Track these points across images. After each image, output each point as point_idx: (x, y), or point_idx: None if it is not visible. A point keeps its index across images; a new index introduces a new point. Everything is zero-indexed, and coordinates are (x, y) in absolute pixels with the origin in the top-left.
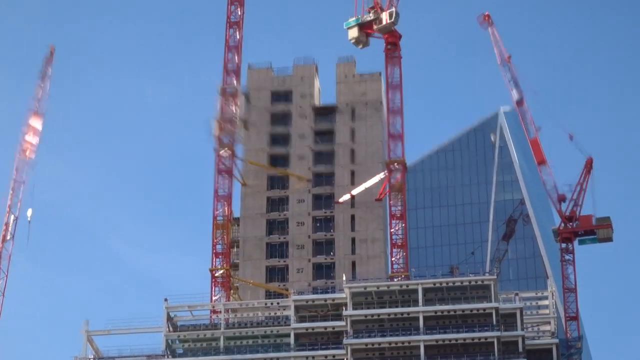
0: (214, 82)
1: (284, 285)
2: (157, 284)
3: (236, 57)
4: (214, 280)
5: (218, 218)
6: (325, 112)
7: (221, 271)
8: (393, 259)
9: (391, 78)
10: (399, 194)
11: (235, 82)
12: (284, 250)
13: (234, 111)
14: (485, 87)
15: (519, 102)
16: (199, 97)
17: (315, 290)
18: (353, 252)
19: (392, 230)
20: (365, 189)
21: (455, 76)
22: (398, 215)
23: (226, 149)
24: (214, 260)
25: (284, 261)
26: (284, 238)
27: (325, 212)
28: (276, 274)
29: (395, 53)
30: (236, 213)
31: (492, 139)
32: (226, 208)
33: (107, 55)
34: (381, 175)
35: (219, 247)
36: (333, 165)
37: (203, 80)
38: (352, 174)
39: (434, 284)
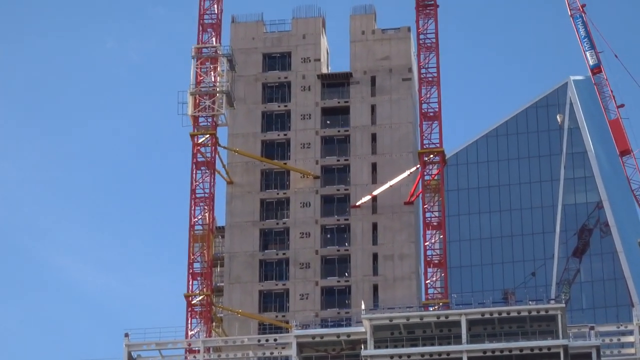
0: (189, 41)
1: (284, 316)
2: (114, 314)
3: (215, 6)
4: (190, 309)
5: (196, 227)
6: (335, 83)
7: (200, 297)
8: (428, 281)
9: (424, 36)
10: (436, 195)
11: (214, 41)
12: (284, 270)
13: (214, 81)
14: (549, 49)
15: (595, 69)
16: (173, 59)
17: (324, 323)
18: (375, 272)
19: (426, 243)
20: (391, 188)
21: (508, 35)
22: (435, 223)
23: (205, 134)
24: (191, 283)
25: (284, 284)
26: (284, 254)
27: (337, 220)
28: (273, 301)
29: (430, 1)
30: (220, 221)
31: (559, 120)
32: (207, 214)
33: None
34: (412, 170)
35: (197, 265)
36: (348, 155)
37: (178, 36)
38: (373, 168)
39: (482, 315)
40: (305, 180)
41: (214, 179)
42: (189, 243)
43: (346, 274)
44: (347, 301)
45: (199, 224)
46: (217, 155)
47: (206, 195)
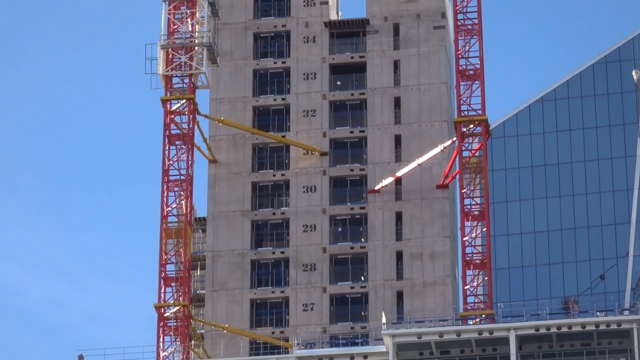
0: None
1: (282, 332)
2: (64, 330)
3: None
4: (162, 323)
5: (169, 219)
6: (348, 33)
7: (175, 309)
8: (467, 287)
9: None
10: (478, 176)
11: None
12: (282, 274)
13: (191, 31)
14: None
15: None
16: (138, 2)
17: (334, 341)
18: (399, 275)
19: (465, 238)
20: (420, 167)
21: None
22: (476, 213)
23: (181, 99)
24: (163, 290)
25: (282, 292)
26: (282, 253)
27: (351, 209)
28: (268, 313)
29: None
30: (200, 210)
31: (635, 78)
32: (183, 202)
33: None
34: (446, 145)
35: (170, 268)
36: (364, 126)
37: None
38: (397, 141)
39: (537, 330)
40: (309, 158)
41: (192, 156)
42: (160, 239)
43: (362, 278)
44: (363, 313)
45: (173, 215)
46: (196, 127)
47: (182, 177)
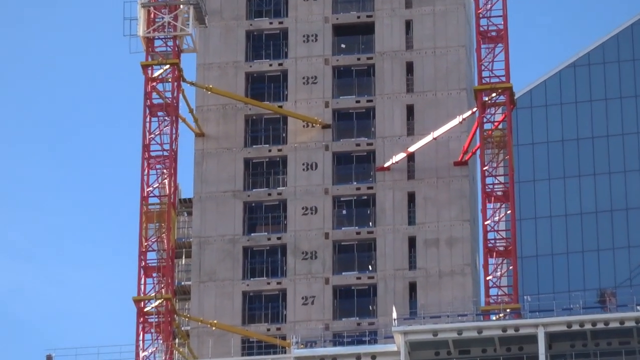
0: None
1: (279, 329)
2: (31, 327)
3: None
4: (142, 319)
5: (150, 200)
6: None
7: (156, 303)
8: (490, 277)
9: None
10: (501, 151)
11: None
12: (278, 263)
13: None
14: None
15: None
16: None
17: (338, 339)
18: (412, 264)
19: (487, 222)
20: (435, 141)
21: None
22: (499, 193)
23: (164, 64)
24: (143, 281)
25: (279, 283)
26: (279, 239)
27: (357, 189)
28: (263, 307)
29: None
30: (186, 191)
31: None
32: (166, 181)
33: None
34: (465, 116)
35: (152, 256)
36: (372, 94)
37: None
38: (409, 112)
39: (569, 326)
40: (309, 132)
41: (176, 129)
42: (140, 223)
43: (370, 267)
44: (371, 307)
45: (155, 196)
46: (180, 96)
47: (165, 153)
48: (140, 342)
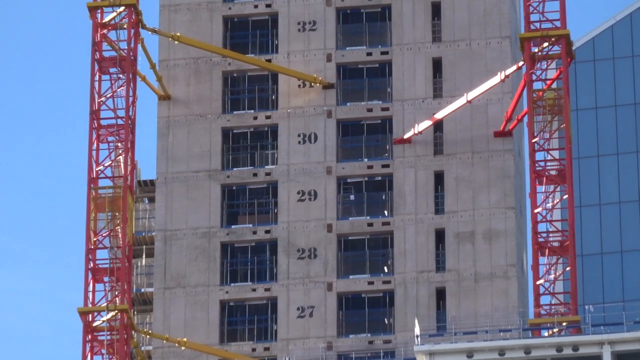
0: None
1: (267, 349)
2: None
3: None
4: (90, 336)
5: (100, 183)
6: None
7: (108, 315)
8: (541, 281)
9: None
10: (556, 118)
11: None
12: (267, 263)
13: None
14: None
15: None
16: None
17: None
18: (439, 265)
19: (537, 210)
20: (470, 105)
21: None
22: (553, 172)
23: (117, 5)
24: (91, 287)
25: (267, 289)
26: (267, 232)
27: (369, 167)
28: (247, 321)
29: None
30: (147, 171)
31: None
32: (121, 158)
33: None
34: (508, 72)
35: (102, 255)
36: (387, 44)
37: None
38: (436, 67)
39: None
40: (307, 93)
41: (134, 91)
42: (87, 213)
43: (385, 269)
44: (386, 320)
45: (107, 177)
46: (139, 47)
47: (120, 122)
48: None
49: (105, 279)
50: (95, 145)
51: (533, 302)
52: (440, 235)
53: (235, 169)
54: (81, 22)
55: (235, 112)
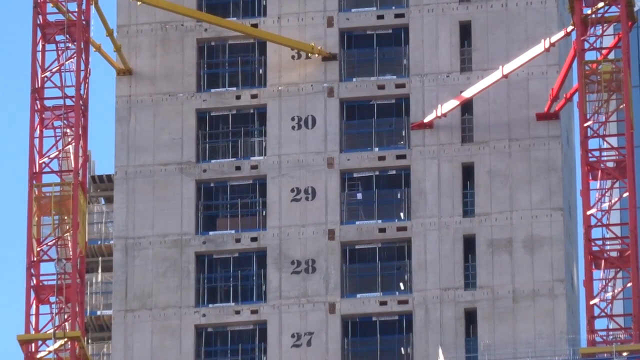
0: None
1: None
2: None
3: None
4: None
5: (45, 179)
6: None
7: (57, 344)
8: (595, 300)
9: None
10: (613, 96)
11: None
12: (254, 279)
13: None
14: None
15: None
16: None
17: None
18: (468, 281)
19: (591, 212)
20: (506, 81)
21: None
22: (610, 165)
23: None
24: (34, 310)
25: (254, 312)
26: (254, 240)
27: (380, 159)
28: (229, 352)
29: None
30: (103, 164)
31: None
32: (70, 147)
33: None
34: (555, 39)
35: (48, 269)
36: (403, 5)
37: None
38: (464, 33)
39: None
40: (302, 66)
41: (87, 63)
42: (28, 217)
43: (401, 285)
44: (403, 350)
45: (52, 172)
46: (93, 9)
47: (69, 103)
48: None
49: (52, 299)
50: (38, 131)
51: (586, 326)
52: (469, 244)
53: (213, 162)
54: None
55: (213, 91)
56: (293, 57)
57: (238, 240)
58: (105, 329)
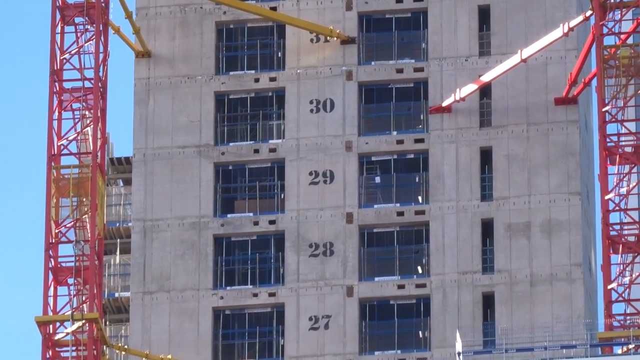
0: None
1: None
2: None
3: None
4: (51, 353)
5: (63, 161)
6: None
7: (74, 326)
8: (613, 284)
9: None
10: (632, 81)
11: None
12: (271, 262)
13: None
14: None
15: None
16: None
17: None
18: (487, 265)
19: (609, 196)
20: (525, 65)
21: None
22: (629, 150)
23: None
24: (51, 291)
25: (272, 294)
26: (272, 223)
27: (398, 142)
28: (247, 334)
29: None
30: (122, 147)
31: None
32: (89, 130)
33: None
34: (573, 24)
35: (66, 251)
36: None
37: None
38: (483, 17)
39: None
40: (321, 49)
41: (105, 46)
42: (47, 198)
43: (419, 269)
44: (421, 333)
45: (71, 154)
46: None
47: (88, 85)
48: None
49: (70, 280)
50: (56, 113)
51: (603, 311)
52: (487, 228)
53: (231, 144)
54: None
55: (231, 73)
56: (312, 40)
57: (256, 223)
58: (123, 311)
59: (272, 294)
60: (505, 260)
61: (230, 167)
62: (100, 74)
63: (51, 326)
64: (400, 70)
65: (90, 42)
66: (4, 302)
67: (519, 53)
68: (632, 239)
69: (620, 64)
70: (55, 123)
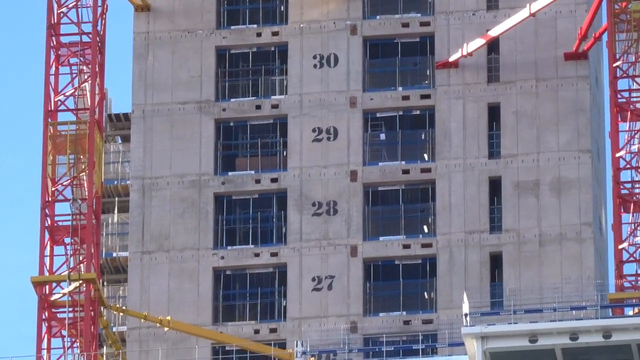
0: None
1: (274, 330)
2: None
3: None
4: (47, 314)
5: (60, 117)
6: None
7: (71, 287)
8: (624, 244)
9: None
10: None
11: None
12: (273, 221)
13: None
14: None
15: None
16: None
17: (372, 348)
18: (494, 223)
19: (619, 154)
20: (534, 19)
21: None
22: None
23: None
24: (47, 251)
25: (274, 254)
26: (274, 181)
27: (404, 98)
28: (248, 295)
29: None
30: (120, 103)
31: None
32: (87, 85)
33: None
34: None
35: (63, 209)
36: None
37: None
38: None
39: None
40: (325, 2)
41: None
42: (43, 156)
43: (425, 228)
44: (427, 294)
45: (68, 110)
46: None
47: (86, 39)
48: (44, 351)
49: (67, 240)
50: (53, 68)
51: (614, 271)
52: (495, 186)
53: (233, 100)
54: None
55: (233, 28)
56: None
57: (258, 181)
58: (121, 271)
59: (274, 254)
60: (514, 219)
61: (232, 124)
62: (99, 28)
63: (47, 287)
64: (406, 25)
65: (86, 8)
66: (2, 266)
67: (527, 7)
68: None
69: (631, 18)
70: (52, 78)
